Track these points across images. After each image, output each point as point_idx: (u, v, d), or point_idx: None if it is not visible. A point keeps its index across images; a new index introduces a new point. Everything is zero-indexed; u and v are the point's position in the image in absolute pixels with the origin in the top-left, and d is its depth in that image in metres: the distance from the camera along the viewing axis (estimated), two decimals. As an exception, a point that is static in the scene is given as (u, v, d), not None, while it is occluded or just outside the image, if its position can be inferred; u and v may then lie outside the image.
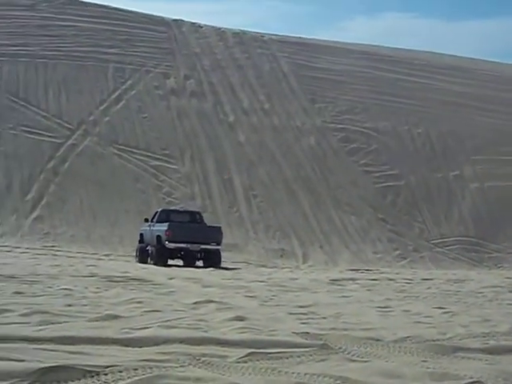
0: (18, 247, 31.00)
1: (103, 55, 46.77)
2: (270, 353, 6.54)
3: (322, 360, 6.33)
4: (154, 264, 24.02)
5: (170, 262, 24.90)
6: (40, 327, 7.40)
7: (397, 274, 24.08)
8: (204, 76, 47.52)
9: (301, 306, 10.05)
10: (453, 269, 34.90)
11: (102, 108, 42.39)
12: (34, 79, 43.56)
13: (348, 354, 6.74)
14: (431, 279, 20.89)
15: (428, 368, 6.30)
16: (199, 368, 5.99)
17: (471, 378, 5.91)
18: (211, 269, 21.71)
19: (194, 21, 54.52)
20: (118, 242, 34.42)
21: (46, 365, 5.65)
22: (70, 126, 40.42)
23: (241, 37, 53.37)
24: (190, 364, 6.10)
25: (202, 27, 53.96)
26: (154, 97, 44.56)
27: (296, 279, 16.79)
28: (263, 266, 33.03)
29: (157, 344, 6.79)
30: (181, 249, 24.34)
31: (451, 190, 42.96)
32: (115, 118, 41.98)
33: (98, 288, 11.79)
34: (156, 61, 47.58)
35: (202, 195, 38.53)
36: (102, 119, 41.57)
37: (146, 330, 7.34)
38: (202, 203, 37.94)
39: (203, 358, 6.25)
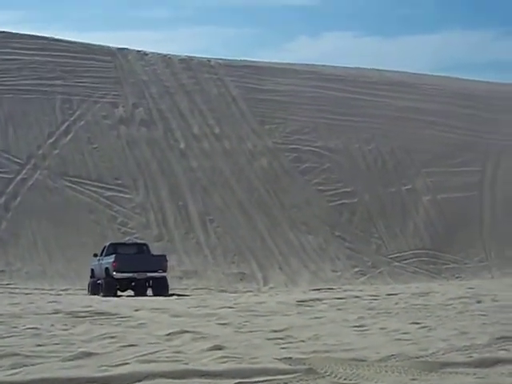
0: (-27, 287, 30.23)
1: (49, 87, 46.16)
2: (257, 382, 6.37)
3: (311, 385, 6.20)
4: (104, 296, 24.35)
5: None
6: (13, 371, 7.11)
7: (360, 291, 24.09)
8: (152, 103, 47.27)
9: (275, 331, 9.89)
10: (412, 282, 35.15)
11: (50, 141, 41.80)
12: (-20, 115, 42.77)
13: (335, 377, 6.61)
14: (396, 294, 20.92)
15: (419, 387, 6.19)
16: (187, 403, 5.80)
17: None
18: (175, 297, 21.54)
19: (139, 49, 54.20)
20: (76, 275, 33.81)
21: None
22: (19, 161, 39.75)
23: (187, 62, 53.28)
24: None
25: (147, 54, 53.72)
26: (103, 127, 44.13)
27: (263, 303, 16.63)
28: (224, 291, 32.82)
29: (138, 380, 6.58)
30: (129, 278, 25.20)
31: (405, 204, 43.41)
32: (65, 150, 41.42)
33: (65, 325, 11.46)
34: (103, 90, 47.15)
35: (158, 223, 38.19)
36: (52, 152, 40.99)
37: (124, 366, 7.10)
38: (157, 231, 37.61)
39: (189, 392, 6.06)
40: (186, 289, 33.22)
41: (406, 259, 39.64)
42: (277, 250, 38.32)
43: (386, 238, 40.69)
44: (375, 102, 50.36)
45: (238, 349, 8.02)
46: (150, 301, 19.99)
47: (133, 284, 25.59)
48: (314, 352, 7.78)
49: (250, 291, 31.22)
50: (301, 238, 39.29)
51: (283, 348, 8.08)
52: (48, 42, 50.37)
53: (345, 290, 25.25)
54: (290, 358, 7.34)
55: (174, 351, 7.96)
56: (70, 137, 42.55)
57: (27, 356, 7.79)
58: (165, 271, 25.99)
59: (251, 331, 9.96)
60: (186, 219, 38.91)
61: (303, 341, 8.76)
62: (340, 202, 42.26)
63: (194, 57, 55.18)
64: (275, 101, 49.48)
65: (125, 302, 19.57)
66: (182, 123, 46.03)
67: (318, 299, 17.77)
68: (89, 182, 39.50)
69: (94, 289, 26.67)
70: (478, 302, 16.82)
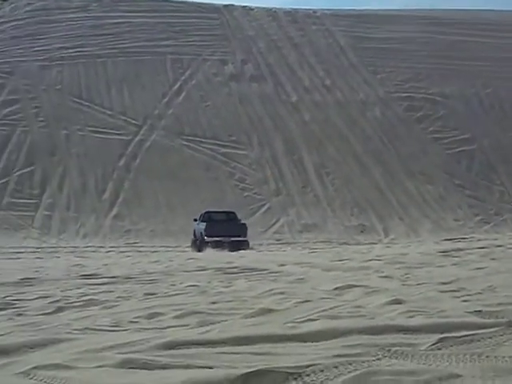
0: (102, 246, 31.18)
1: (160, 48, 46.77)
2: (460, 336, 6.15)
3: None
4: (198, 251, 28.73)
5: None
6: (202, 329, 7.14)
7: (495, 239, 23.45)
8: (261, 58, 47.17)
9: (444, 283, 9.68)
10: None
11: (164, 101, 42.40)
12: (95, 79, 43.77)
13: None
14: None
15: None
16: (396, 359, 5.64)
17: None
18: (311, 250, 21.82)
19: (244, 4, 54.05)
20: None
21: (244, 370, 5.34)
22: (136, 122, 40.52)
23: (293, 15, 52.79)
24: (384, 356, 5.75)
25: (253, 9, 53.54)
26: (214, 84, 44.40)
27: (406, 254, 16.43)
28: (345, 243, 32.66)
29: (335, 337, 6.45)
30: (216, 241, 29.26)
31: (526, 148, 41.88)
32: (179, 110, 41.95)
33: (221, 281, 11.58)
34: (212, 48, 47.39)
35: (275, 178, 38.26)
36: (167, 112, 41.59)
37: (313, 322, 7.01)
38: (275, 186, 37.71)
39: (393, 349, 5.90)
40: (306, 242, 33.27)
41: (530, 205, 38.39)
42: (395, 200, 37.79)
43: (509, 185, 39.43)
44: (490, 44, 48.54)
45: (418, 302, 7.84)
46: (285, 255, 20.09)
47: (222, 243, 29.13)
48: (500, 304, 7.50)
49: (373, 243, 30.93)
50: (420, 188, 38.58)
51: (465, 301, 7.85)
52: (157, 4, 50.90)
53: (479, 240, 24.63)
54: (480, 310, 7.08)
55: (353, 306, 7.84)
56: (182, 96, 43.04)
57: (209, 314, 7.84)
58: (245, 236, 29.99)
59: (419, 284, 9.78)
60: (302, 173, 38.83)
61: (480, 293, 8.50)
62: (458, 149, 41.18)
63: (299, 9, 54.60)
64: (386, 49, 48.46)
65: (262, 256, 19.72)
66: (291, 76, 45.76)
67: (459, 249, 17.39)
68: (204, 140, 39.92)
69: (194, 246, 30.95)
70: None
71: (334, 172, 39.04)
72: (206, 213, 31.10)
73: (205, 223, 29.80)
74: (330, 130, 41.69)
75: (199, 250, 28.78)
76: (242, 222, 31.04)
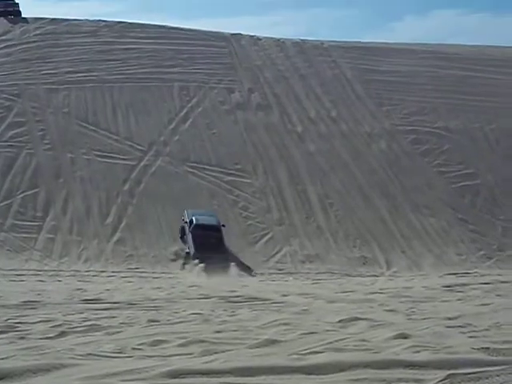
0: (104, 271, 31.08)
1: (167, 75, 47.04)
2: (468, 373, 6.11)
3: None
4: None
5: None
6: (206, 358, 7.09)
7: (499, 275, 23.32)
8: (268, 88, 47.38)
9: (449, 318, 9.61)
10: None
11: (170, 127, 42.51)
12: (102, 103, 43.95)
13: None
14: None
15: None
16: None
17: None
18: (313, 281, 21.61)
19: (251, 34, 54.42)
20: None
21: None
22: (142, 148, 40.59)
23: (301, 46, 53.11)
24: (392, 391, 5.71)
25: (260, 39, 53.90)
26: (221, 112, 44.55)
27: (410, 288, 16.34)
28: (348, 275, 32.57)
29: (341, 370, 6.41)
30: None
31: (530, 185, 41.79)
32: (185, 137, 42.04)
33: (225, 310, 11.52)
34: (219, 76, 47.64)
35: (278, 207, 38.19)
36: (172, 138, 41.67)
37: (318, 355, 6.97)
38: (278, 215, 37.62)
39: None
40: (308, 273, 33.15)
41: (534, 242, 38.18)
42: (399, 233, 37.66)
43: (512, 221, 39.28)
44: (496, 80, 48.75)
45: (424, 337, 7.79)
46: (287, 286, 20.00)
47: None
48: (507, 342, 7.45)
49: (375, 275, 30.81)
50: (423, 221, 38.47)
51: (472, 337, 7.80)
52: (165, 31, 51.28)
53: (482, 275, 24.52)
54: (488, 348, 7.03)
55: (358, 339, 7.80)
56: (188, 123, 43.17)
57: (213, 343, 7.79)
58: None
59: (424, 318, 9.72)
60: (305, 203, 38.77)
61: (487, 329, 8.45)
62: (462, 183, 41.14)
63: (307, 40, 54.94)
64: (392, 82, 48.68)
65: (265, 286, 19.63)
66: (297, 107, 45.91)
67: (463, 284, 17.30)
68: (209, 168, 39.93)
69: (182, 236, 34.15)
70: None
71: (338, 203, 38.97)
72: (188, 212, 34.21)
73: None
74: (334, 162, 41.72)
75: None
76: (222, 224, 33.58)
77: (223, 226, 33.56)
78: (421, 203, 39.59)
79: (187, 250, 33.07)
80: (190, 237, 32.80)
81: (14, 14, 55.74)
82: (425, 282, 19.27)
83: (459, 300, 12.56)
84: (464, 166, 42.16)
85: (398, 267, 34.72)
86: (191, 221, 33.23)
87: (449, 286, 16.08)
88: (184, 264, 32.39)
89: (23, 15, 55.93)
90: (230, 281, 24.11)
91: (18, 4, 56.93)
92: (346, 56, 51.88)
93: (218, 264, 31.15)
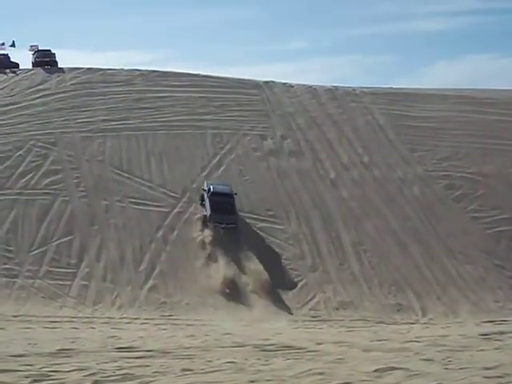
0: (137, 318, 31.11)
1: (200, 122, 47.53)
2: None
3: None
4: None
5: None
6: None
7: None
8: (300, 134, 47.61)
9: (487, 368, 9.43)
10: None
11: (203, 174, 42.77)
12: (136, 151, 44.45)
13: None
14: None
15: None
16: None
17: None
18: (348, 329, 21.40)
19: (284, 81, 54.89)
20: (229, 305, 34.09)
21: None
22: (175, 195, 40.84)
23: (333, 92, 53.41)
24: None
25: (293, 86, 54.32)
26: (253, 159, 44.79)
27: (446, 336, 16.09)
28: (382, 322, 32.21)
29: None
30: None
31: None
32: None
33: (259, 359, 11.43)
34: (252, 123, 48.02)
35: (312, 254, 38.04)
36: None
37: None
38: (312, 262, 37.46)
39: None
40: (342, 320, 32.86)
41: None
42: (434, 279, 37.26)
43: (551, 267, 38.64)
44: (531, 125, 48.46)
45: (464, 389, 7.64)
46: (321, 333, 19.81)
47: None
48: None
49: (410, 323, 30.43)
50: (458, 268, 38.03)
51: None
52: (198, 79, 51.94)
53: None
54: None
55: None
56: (221, 170, 43.43)
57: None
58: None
59: (461, 368, 9.55)
60: (339, 249, 38.58)
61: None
62: (498, 229, 40.68)
63: (339, 86, 55.24)
64: (424, 127, 48.63)
65: (299, 333, 19.48)
66: (330, 153, 46.00)
67: (501, 332, 17.00)
68: (242, 214, 39.98)
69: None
70: None
71: (372, 249, 38.73)
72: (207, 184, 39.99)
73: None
74: (367, 207, 41.59)
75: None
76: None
77: (235, 194, 39.33)
78: (456, 249, 39.20)
79: (205, 213, 38.86)
80: (207, 202, 38.72)
81: (50, 64, 56.93)
82: (461, 330, 18.98)
83: (497, 349, 12.32)
84: (499, 211, 41.73)
85: (433, 314, 34.29)
86: (209, 189, 39.22)
87: (486, 335, 15.80)
88: (203, 225, 38.29)
89: (59, 65, 57.08)
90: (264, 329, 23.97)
91: (54, 54, 58.20)
92: (377, 102, 52.03)
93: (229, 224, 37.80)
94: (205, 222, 38.63)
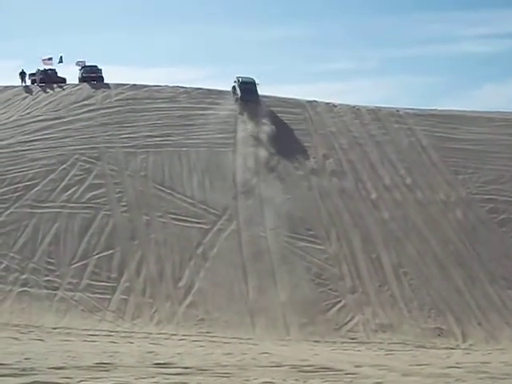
0: (175, 334, 31.15)
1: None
2: None
3: None
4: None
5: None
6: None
7: None
8: (343, 154, 47.45)
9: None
10: None
11: (243, 191, 42.82)
12: (178, 167, 44.73)
13: None
14: None
15: None
16: None
17: None
18: (386, 352, 21.16)
19: (327, 101, 54.81)
20: (266, 325, 33.97)
21: None
22: (216, 212, 40.95)
23: (376, 113, 53.20)
24: None
25: (336, 106, 54.22)
26: (295, 178, 44.73)
27: (487, 363, 15.81)
28: (422, 346, 31.77)
29: None
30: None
31: None
32: (257, 201, 42.22)
33: (296, 380, 11.35)
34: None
35: (351, 275, 37.76)
36: (246, 203, 41.93)
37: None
38: (351, 283, 37.17)
39: None
40: (381, 342, 32.50)
41: None
42: (475, 304, 36.70)
43: None
44: None
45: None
46: (359, 356, 19.63)
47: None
48: None
49: (451, 348, 29.99)
50: (501, 293, 37.43)
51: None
52: (242, 97, 51.99)
53: None
54: None
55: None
56: (262, 188, 43.39)
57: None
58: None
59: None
60: (379, 271, 38.25)
61: None
62: (542, 255, 39.95)
63: (383, 107, 55.02)
64: (468, 150, 48.14)
65: (337, 355, 19.32)
66: (372, 174, 45.75)
67: (545, 361, 16.67)
68: (282, 232, 39.93)
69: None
70: None
71: (412, 272, 38.32)
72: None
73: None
74: (409, 230, 41.21)
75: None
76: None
77: (258, 83, 52.32)
78: (498, 274, 38.60)
79: (236, 96, 51.64)
80: (237, 88, 51.90)
81: (96, 79, 57.72)
82: (503, 357, 18.64)
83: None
84: (544, 237, 41.03)
85: (474, 340, 33.75)
86: (238, 79, 52.61)
87: (529, 363, 15.49)
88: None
89: (106, 81, 57.84)
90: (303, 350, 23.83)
91: (101, 70, 59.03)
92: (421, 123, 51.68)
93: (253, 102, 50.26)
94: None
